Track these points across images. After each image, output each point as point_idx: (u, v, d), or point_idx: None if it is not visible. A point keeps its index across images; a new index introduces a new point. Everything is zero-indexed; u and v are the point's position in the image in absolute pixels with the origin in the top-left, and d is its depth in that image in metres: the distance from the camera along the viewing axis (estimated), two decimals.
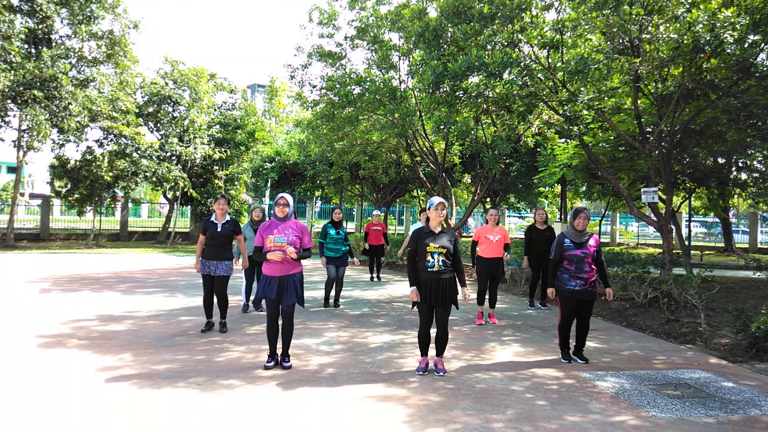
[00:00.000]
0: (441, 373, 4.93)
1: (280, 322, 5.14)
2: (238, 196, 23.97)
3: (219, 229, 6.44)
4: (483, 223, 9.07)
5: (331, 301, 8.57)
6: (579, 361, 5.50)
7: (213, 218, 6.53)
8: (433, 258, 4.82)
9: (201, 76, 22.69)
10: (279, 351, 5.18)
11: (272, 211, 5.25)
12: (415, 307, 5.02)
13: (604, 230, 24.01)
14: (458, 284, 5.01)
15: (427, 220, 5.13)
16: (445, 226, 5.14)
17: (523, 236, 9.09)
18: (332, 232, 8.47)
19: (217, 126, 23.73)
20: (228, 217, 6.57)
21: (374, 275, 12.00)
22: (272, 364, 5.07)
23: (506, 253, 7.62)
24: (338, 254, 8.47)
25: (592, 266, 5.45)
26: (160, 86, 21.80)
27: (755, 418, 4.03)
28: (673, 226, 9.76)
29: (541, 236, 8.46)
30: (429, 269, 4.82)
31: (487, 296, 7.54)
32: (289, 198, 5.21)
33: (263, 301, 6.23)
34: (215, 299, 6.59)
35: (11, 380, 4.56)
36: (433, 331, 5.06)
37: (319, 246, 8.61)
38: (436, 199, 4.97)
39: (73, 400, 4.13)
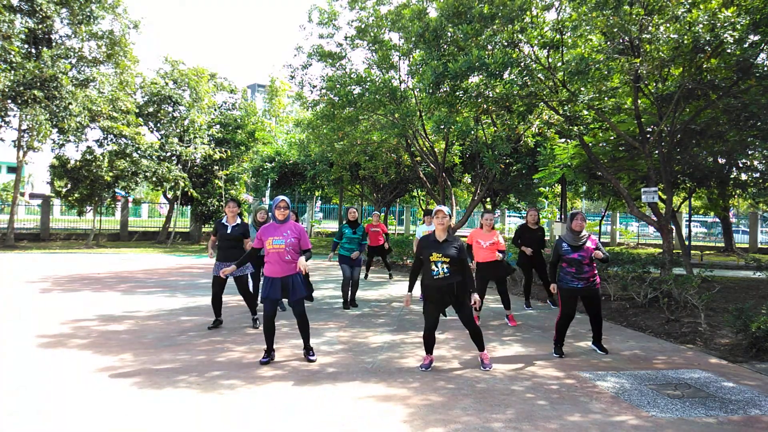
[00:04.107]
0: (487, 368, 5.12)
1: (278, 321, 5.22)
2: (238, 196, 23.98)
3: (229, 231, 6.62)
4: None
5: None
6: (599, 351, 5.80)
7: (224, 220, 6.70)
8: (437, 267, 4.94)
9: (201, 76, 22.67)
10: (275, 347, 5.33)
11: (271, 213, 5.32)
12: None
13: (604, 230, 24.00)
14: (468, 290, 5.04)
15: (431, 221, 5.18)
16: (448, 232, 5.17)
17: (513, 235, 9.07)
18: (348, 231, 8.40)
19: (218, 126, 23.72)
20: (239, 220, 6.72)
21: (369, 274, 12.21)
22: (267, 360, 5.19)
23: (501, 254, 7.59)
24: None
25: (592, 265, 5.66)
26: (160, 86, 21.79)
27: (755, 418, 4.04)
28: (673, 226, 9.76)
29: (533, 236, 8.51)
30: (434, 277, 4.96)
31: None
32: (288, 201, 5.33)
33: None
34: (231, 298, 6.70)
35: (11, 380, 4.56)
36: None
37: (333, 245, 8.71)
38: (437, 208, 5.08)
39: (74, 400, 4.13)
